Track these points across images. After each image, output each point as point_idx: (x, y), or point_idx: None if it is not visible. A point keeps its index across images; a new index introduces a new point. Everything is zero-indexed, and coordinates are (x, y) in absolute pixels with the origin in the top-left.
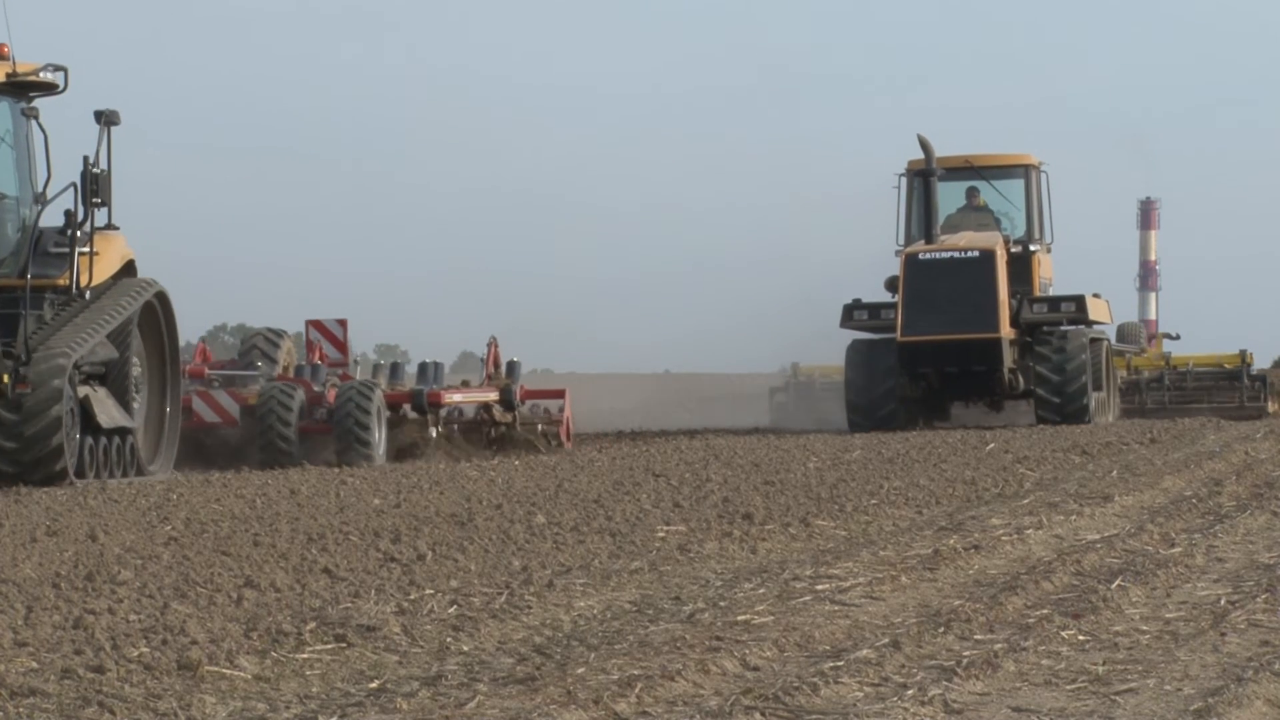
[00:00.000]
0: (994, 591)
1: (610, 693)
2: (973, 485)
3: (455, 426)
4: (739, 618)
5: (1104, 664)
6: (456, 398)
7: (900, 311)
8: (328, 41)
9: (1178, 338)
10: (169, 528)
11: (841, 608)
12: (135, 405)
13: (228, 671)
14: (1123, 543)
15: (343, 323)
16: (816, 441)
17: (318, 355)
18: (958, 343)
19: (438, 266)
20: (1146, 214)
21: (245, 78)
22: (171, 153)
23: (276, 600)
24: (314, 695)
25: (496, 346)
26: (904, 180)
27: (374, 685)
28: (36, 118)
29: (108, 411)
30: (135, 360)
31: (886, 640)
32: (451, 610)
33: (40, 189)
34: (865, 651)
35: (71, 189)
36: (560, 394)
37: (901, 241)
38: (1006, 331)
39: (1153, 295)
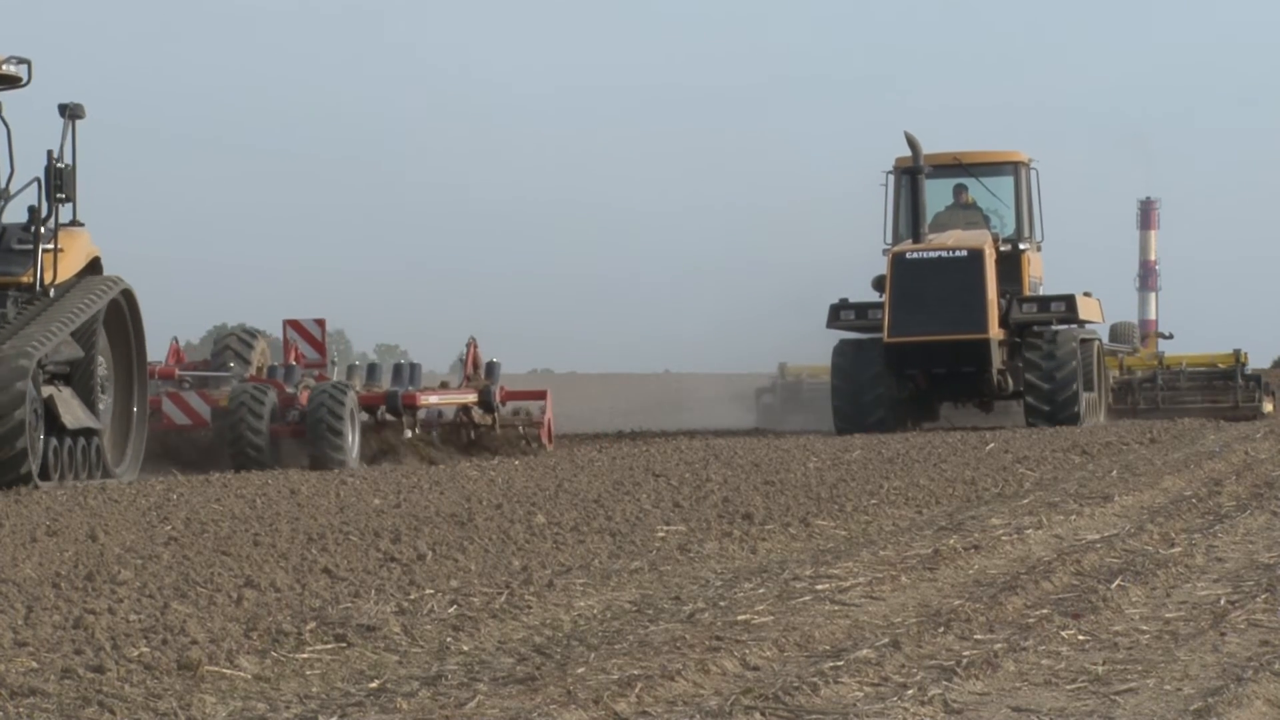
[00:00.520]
0: (994, 591)
1: (610, 693)
2: (973, 485)
3: (434, 429)
4: (739, 618)
5: (1104, 664)
6: (433, 399)
7: (887, 312)
8: (327, 41)
9: (1170, 337)
10: (169, 528)
11: (841, 608)
12: (101, 406)
13: (228, 671)
14: (1123, 543)
15: (320, 323)
16: (816, 441)
17: (293, 356)
18: (945, 343)
19: (438, 267)
20: (1146, 214)
21: (245, 76)
22: (172, 152)
23: (276, 600)
24: (314, 695)
25: (476, 347)
26: (891, 178)
27: (374, 685)
28: None
29: (72, 412)
30: (101, 360)
31: (886, 640)
32: (451, 610)
33: (3, 184)
34: (865, 651)
35: (35, 184)
36: (541, 395)
37: (889, 240)
38: (995, 332)
39: (1152, 295)
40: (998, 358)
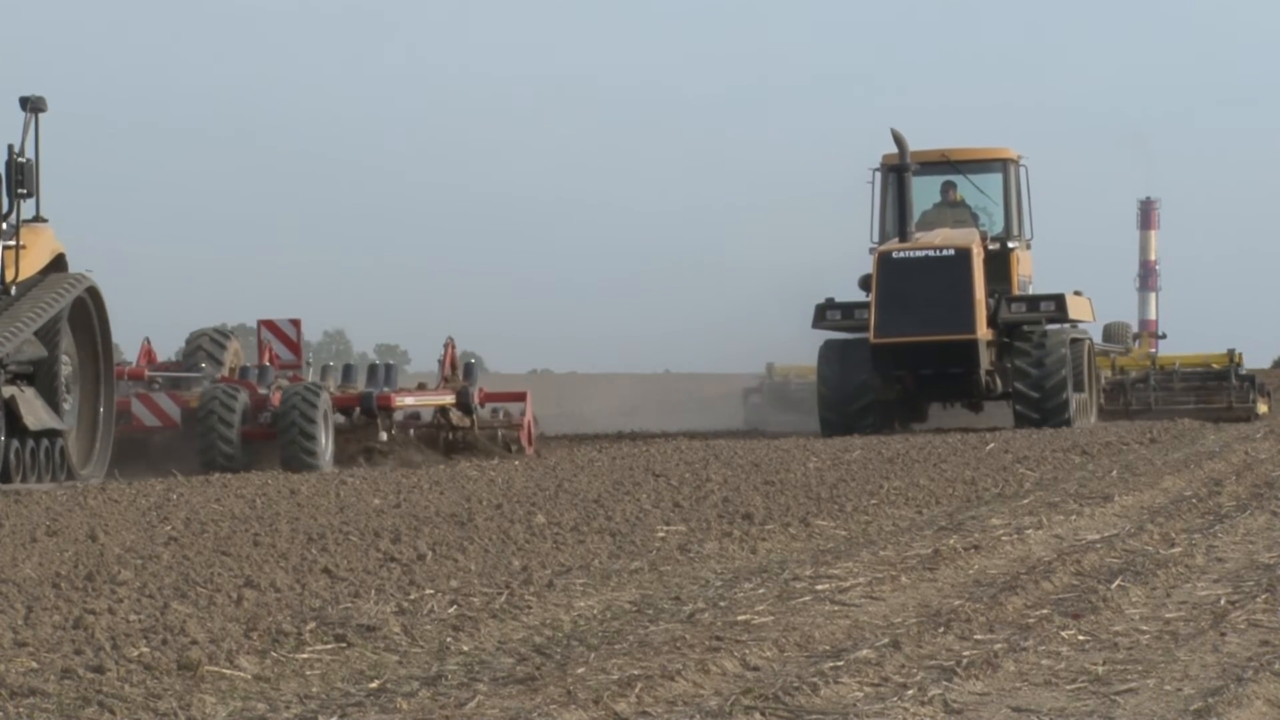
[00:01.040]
0: (994, 591)
1: (610, 693)
2: (973, 485)
3: (411, 431)
4: (739, 618)
5: (1104, 664)
6: (409, 401)
7: (873, 312)
8: (328, 41)
9: (1164, 337)
10: (169, 528)
11: (841, 608)
12: (66, 406)
13: (228, 671)
14: (1123, 543)
15: (296, 323)
16: (816, 441)
17: (267, 356)
18: (932, 344)
19: (437, 266)
20: (1146, 214)
21: (245, 76)
22: (172, 152)
23: (276, 600)
24: (314, 695)
25: (453, 347)
26: (878, 175)
27: (374, 685)
28: None
29: (35, 413)
30: (65, 359)
31: (886, 640)
32: (451, 610)
33: None
34: (865, 651)
35: None
36: (521, 396)
37: (876, 239)
38: (983, 332)
39: (1152, 295)
40: (986, 358)
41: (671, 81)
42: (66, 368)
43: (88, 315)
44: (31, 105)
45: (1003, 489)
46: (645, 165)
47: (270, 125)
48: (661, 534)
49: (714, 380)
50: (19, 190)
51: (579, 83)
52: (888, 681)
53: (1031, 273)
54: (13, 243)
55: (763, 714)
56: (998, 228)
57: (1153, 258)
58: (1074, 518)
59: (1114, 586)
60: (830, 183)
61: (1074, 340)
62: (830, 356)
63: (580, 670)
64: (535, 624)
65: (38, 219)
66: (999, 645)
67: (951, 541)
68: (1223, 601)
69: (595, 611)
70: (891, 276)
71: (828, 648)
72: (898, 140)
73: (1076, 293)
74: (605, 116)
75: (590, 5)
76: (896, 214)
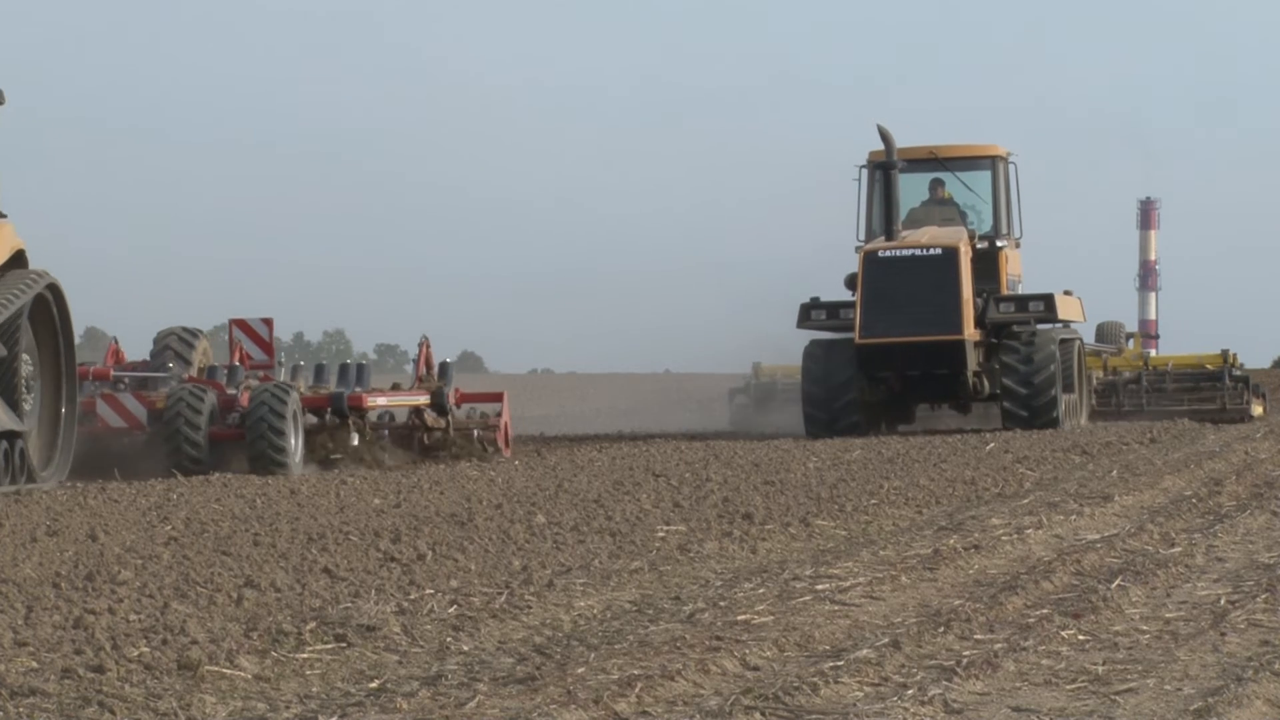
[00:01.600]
0: (994, 591)
1: (610, 693)
2: (973, 485)
3: (386, 433)
4: (739, 618)
5: (1104, 664)
6: (381, 401)
7: (859, 312)
8: (329, 42)
9: (1155, 336)
10: (169, 528)
11: (841, 608)
12: (26, 407)
13: (228, 671)
14: (1123, 543)
15: (268, 322)
16: (816, 441)
17: (238, 356)
18: (919, 345)
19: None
20: (1146, 214)
21: (245, 76)
22: (172, 152)
23: (276, 600)
24: (314, 695)
25: (429, 347)
26: (864, 172)
27: (374, 685)
28: None
29: None
30: (26, 358)
31: (886, 640)
32: (451, 610)
33: None
34: (865, 651)
35: None
36: (498, 397)
37: (862, 237)
38: (970, 333)
39: (1152, 295)
40: (973, 359)
41: (668, 81)
42: (27, 367)
43: (49, 313)
44: None
45: (1003, 489)
46: (643, 166)
47: (270, 126)
48: (661, 534)
49: (701, 380)
50: None
51: (579, 83)
52: (888, 681)
53: (1021, 272)
54: None
55: (763, 714)
56: (986, 226)
57: (1153, 258)
58: (1074, 518)
59: (1114, 586)
60: (821, 180)
61: (1063, 340)
62: (815, 357)
63: (580, 670)
64: (535, 624)
65: None
66: (999, 645)
67: (951, 541)
68: (1223, 601)
69: (595, 611)
70: (877, 276)
71: (828, 648)
72: (884, 137)
73: (1066, 292)
74: (604, 118)
75: (584, 7)
76: (883, 212)
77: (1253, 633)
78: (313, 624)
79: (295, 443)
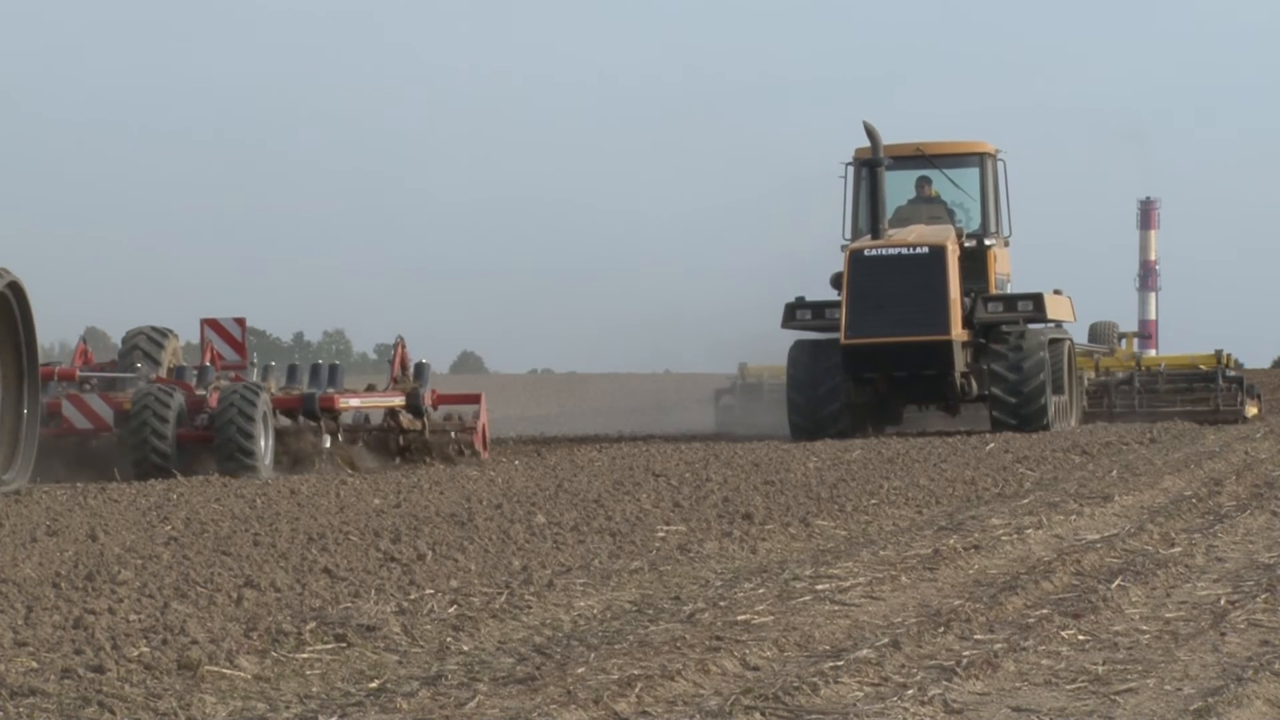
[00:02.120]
0: (994, 591)
1: (610, 693)
2: (973, 485)
3: (361, 435)
4: (739, 618)
5: (1104, 664)
6: (354, 402)
7: (844, 311)
8: (328, 43)
9: (1147, 336)
10: (169, 528)
11: (841, 608)
12: None
13: (228, 671)
14: (1123, 543)
15: (240, 322)
16: (815, 441)
17: (209, 356)
18: (905, 345)
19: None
20: (1146, 214)
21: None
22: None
23: (276, 600)
24: (314, 695)
25: (404, 346)
26: (850, 170)
27: (374, 685)
28: None
29: None
30: None
31: (886, 640)
32: (451, 610)
33: None
34: (865, 651)
35: None
36: (476, 399)
37: (847, 235)
38: (958, 333)
39: (1152, 295)
40: (961, 360)
41: (670, 81)
42: None
43: (10, 312)
44: None
45: (1003, 489)
46: (643, 166)
47: (271, 126)
48: (661, 534)
49: (703, 380)
50: None
51: (579, 83)
52: (888, 681)
53: (1010, 271)
54: None
55: (763, 714)
56: (974, 224)
57: (1153, 258)
58: (1074, 518)
59: (1114, 586)
60: (812, 178)
61: (1053, 341)
62: (800, 357)
63: (580, 670)
64: (535, 624)
65: None
66: (999, 645)
67: (951, 541)
68: (1223, 601)
69: (595, 611)
70: (863, 275)
71: (828, 648)
72: (870, 133)
73: (1056, 291)
74: (605, 118)
75: (584, 8)
76: (869, 210)
77: (1253, 633)
78: (313, 624)
79: (265, 444)
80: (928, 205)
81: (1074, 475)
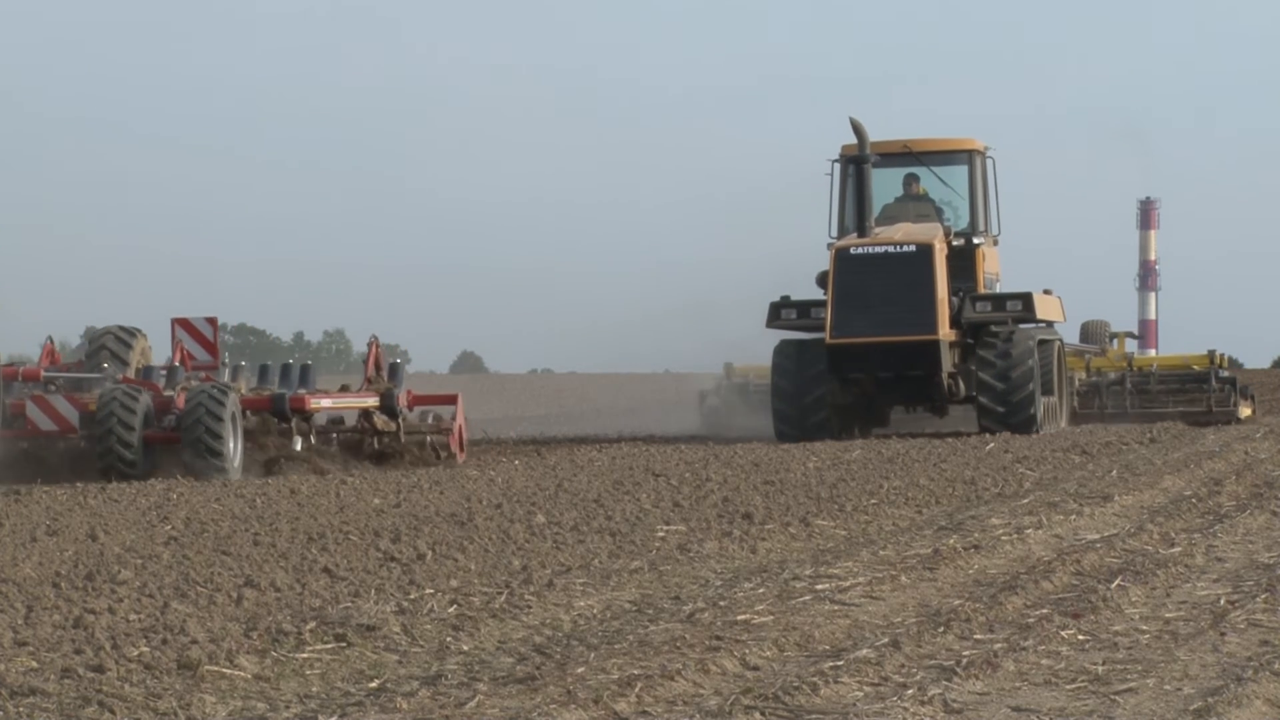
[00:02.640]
0: (994, 591)
1: (610, 692)
2: (973, 485)
3: (335, 436)
4: (739, 617)
5: (1104, 664)
6: (325, 403)
7: (830, 311)
8: (328, 43)
9: (1140, 337)
10: (169, 528)
11: (841, 607)
12: None
13: (228, 671)
14: (1123, 542)
15: (212, 321)
16: (816, 441)
17: (179, 356)
18: (892, 345)
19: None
20: (1146, 214)
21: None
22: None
23: (276, 600)
24: (314, 695)
25: (378, 346)
26: (837, 167)
27: (374, 685)
28: None
29: None
30: None
31: (886, 640)
32: (451, 610)
33: None
34: (865, 651)
35: None
36: (452, 400)
37: (834, 233)
38: (945, 333)
39: (1152, 295)
40: (948, 360)
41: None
42: None
43: None
44: None
45: (1003, 489)
46: (644, 165)
47: (271, 125)
48: (661, 534)
49: (690, 380)
50: None
51: (580, 83)
52: (888, 681)
53: (999, 270)
54: None
55: (763, 714)
56: (963, 222)
57: (1153, 258)
58: (1074, 518)
59: (1114, 586)
60: (803, 175)
61: (1042, 341)
62: (785, 358)
63: (580, 670)
64: (535, 624)
65: None
66: (999, 645)
67: (951, 541)
68: (1223, 601)
69: (595, 611)
70: (849, 274)
71: (828, 647)
72: (857, 130)
73: (1046, 291)
74: (604, 118)
75: (583, 9)
76: (855, 208)
77: (1253, 633)
78: (313, 624)
79: (234, 446)
80: (915, 203)
81: (1074, 475)
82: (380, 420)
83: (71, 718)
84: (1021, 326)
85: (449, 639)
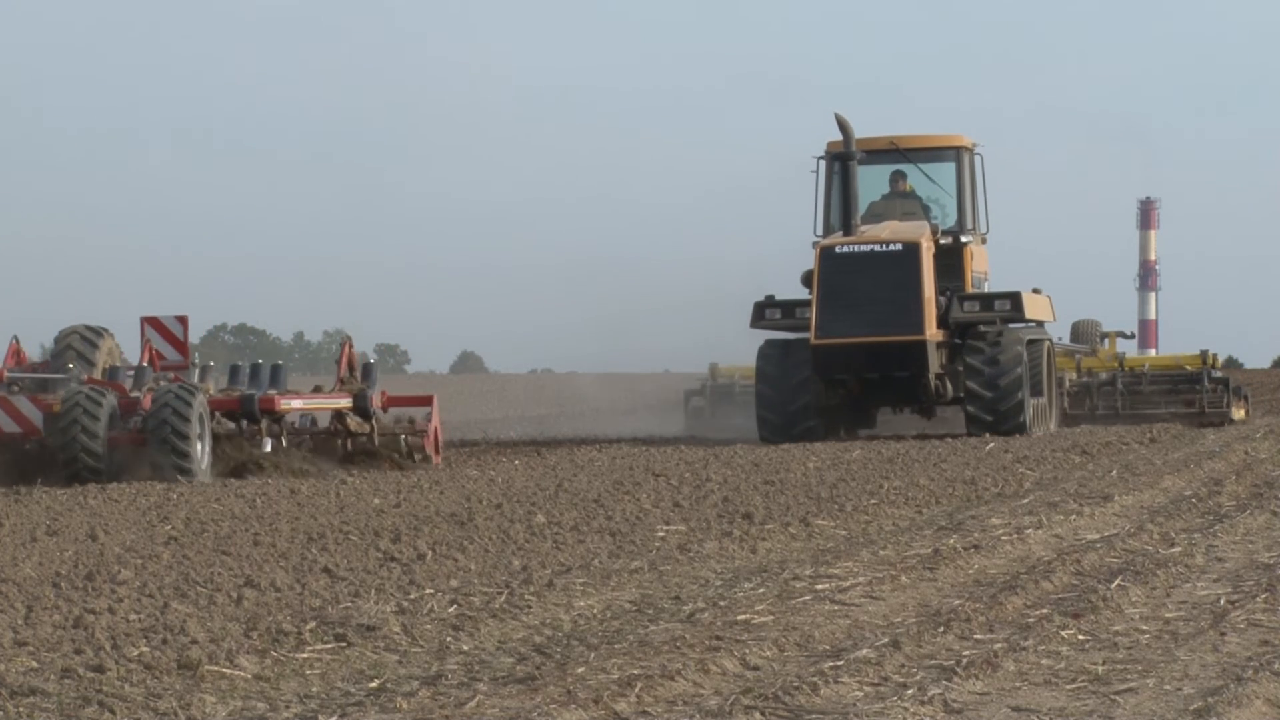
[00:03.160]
0: (994, 591)
1: (610, 692)
2: (973, 485)
3: (307, 438)
4: (739, 617)
5: (1104, 664)
6: (296, 404)
7: (814, 311)
8: (327, 43)
9: (1131, 336)
10: (169, 528)
11: (841, 607)
12: None
13: (228, 671)
14: (1123, 542)
15: (183, 320)
16: (815, 441)
17: (147, 356)
18: (878, 346)
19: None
20: (1146, 214)
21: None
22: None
23: (276, 600)
24: (314, 695)
25: (351, 346)
26: (822, 164)
27: (374, 685)
28: None
29: None
30: None
31: (886, 640)
32: (451, 610)
33: None
34: (865, 651)
35: None
36: (427, 401)
37: (819, 232)
38: (932, 333)
39: (1152, 295)
40: (935, 361)
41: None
42: None
43: None
44: None
45: (1003, 489)
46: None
47: (272, 126)
48: (661, 534)
49: (657, 380)
50: None
51: (580, 82)
52: (888, 681)
53: (987, 269)
54: None
55: (763, 714)
56: (950, 220)
57: (1153, 258)
58: (1074, 517)
59: (1114, 586)
60: (794, 173)
61: (1031, 341)
62: (770, 358)
63: (580, 670)
64: (535, 624)
65: None
66: (999, 645)
67: (951, 541)
68: (1223, 601)
69: (595, 611)
70: (834, 273)
71: (828, 647)
72: (842, 126)
73: (1035, 290)
74: (604, 118)
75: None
76: (841, 205)
77: (1253, 633)
78: (313, 624)
79: (201, 448)
80: (902, 201)
81: (1074, 475)
82: (354, 422)
83: (71, 718)
84: (1010, 326)
85: (449, 639)
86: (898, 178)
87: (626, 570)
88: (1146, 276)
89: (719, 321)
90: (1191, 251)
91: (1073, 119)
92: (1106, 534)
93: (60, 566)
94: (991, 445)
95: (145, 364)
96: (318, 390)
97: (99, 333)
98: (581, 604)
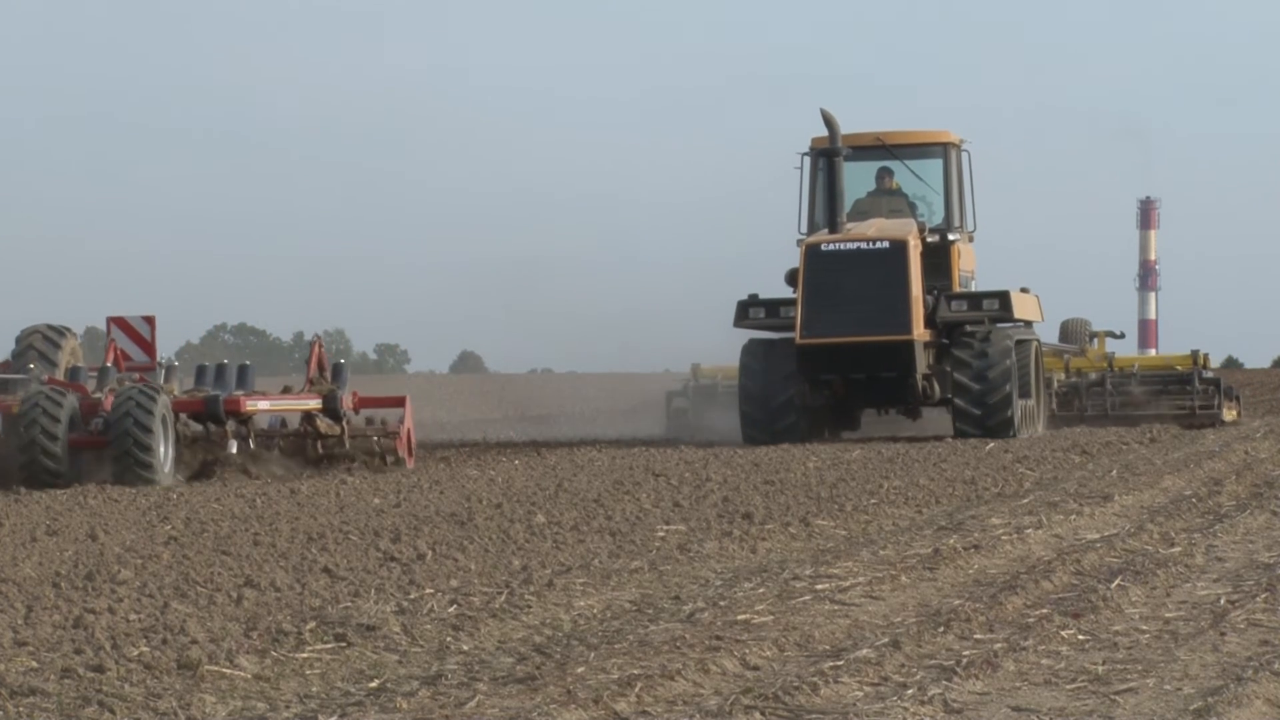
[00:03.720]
0: (994, 591)
1: (610, 692)
2: (973, 485)
3: (276, 440)
4: (739, 617)
5: (1104, 664)
6: (263, 405)
7: (799, 309)
8: (328, 44)
9: (1122, 336)
10: (169, 528)
11: (841, 607)
12: None
13: (228, 671)
14: (1123, 542)
15: (150, 320)
16: (815, 441)
17: (112, 357)
18: (863, 345)
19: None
20: (1146, 214)
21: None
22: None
23: (276, 600)
24: (314, 695)
25: (320, 346)
26: (807, 160)
27: (374, 685)
28: None
29: None
30: None
31: (886, 640)
32: (451, 610)
33: None
34: (865, 651)
35: None
36: (400, 402)
37: (804, 229)
38: (919, 333)
39: (1152, 295)
40: (922, 361)
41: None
42: None
43: None
44: None
45: (1003, 489)
46: (643, 164)
47: (272, 127)
48: (661, 534)
49: (641, 381)
50: None
51: (580, 80)
52: (888, 681)
53: (975, 267)
54: None
55: (763, 714)
56: (938, 218)
57: (1153, 258)
58: (1074, 517)
59: (1114, 586)
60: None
61: (1020, 341)
62: (754, 358)
63: (580, 670)
64: (535, 623)
65: None
66: (999, 645)
67: (951, 541)
68: (1223, 601)
69: (595, 611)
70: (819, 271)
71: (828, 647)
72: (828, 122)
73: (1024, 289)
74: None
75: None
76: (826, 202)
77: (1253, 633)
78: (313, 624)
79: (165, 451)
80: (888, 198)
81: (1074, 475)
82: (324, 424)
83: (71, 718)
84: (998, 326)
85: (449, 639)
86: (884, 174)
87: (626, 570)
88: (1146, 276)
89: (704, 321)
90: (1191, 251)
91: (1073, 118)
92: (1106, 534)
93: (60, 566)
94: (991, 445)
95: (109, 364)
96: (287, 391)
97: (61, 332)
98: (581, 604)
